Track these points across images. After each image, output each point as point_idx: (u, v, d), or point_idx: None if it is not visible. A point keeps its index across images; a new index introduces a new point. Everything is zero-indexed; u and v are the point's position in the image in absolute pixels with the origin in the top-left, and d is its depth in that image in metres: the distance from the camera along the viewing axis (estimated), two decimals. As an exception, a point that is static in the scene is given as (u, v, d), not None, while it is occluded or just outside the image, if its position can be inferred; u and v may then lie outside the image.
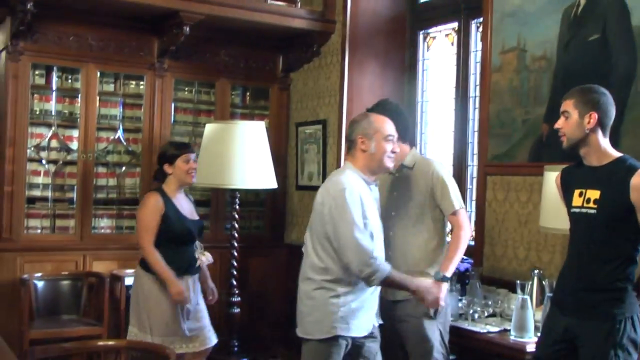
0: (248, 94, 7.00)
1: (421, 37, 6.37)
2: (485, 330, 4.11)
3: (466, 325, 4.19)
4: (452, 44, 6.00)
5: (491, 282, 4.68)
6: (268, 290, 6.77)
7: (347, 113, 6.22)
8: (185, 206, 4.73)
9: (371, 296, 3.75)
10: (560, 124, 3.32)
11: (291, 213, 6.95)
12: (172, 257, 4.55)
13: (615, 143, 3.42)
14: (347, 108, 6.24)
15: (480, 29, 5.46)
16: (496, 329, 4.12)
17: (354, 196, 3.56)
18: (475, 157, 5.48)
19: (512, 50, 4.90)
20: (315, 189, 6.50)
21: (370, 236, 3.61)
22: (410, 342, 4.04)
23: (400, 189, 4.10)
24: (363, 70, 6.31)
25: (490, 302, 4.31)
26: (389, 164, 3.72)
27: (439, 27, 6.19)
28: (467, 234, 4.00)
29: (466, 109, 5.73)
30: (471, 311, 4.21)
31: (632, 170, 3.16)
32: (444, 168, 4.15)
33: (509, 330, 4.00)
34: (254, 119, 6.81)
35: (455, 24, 5.96)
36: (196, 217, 4.81)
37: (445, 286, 3.88)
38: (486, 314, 4.29)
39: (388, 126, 3.73)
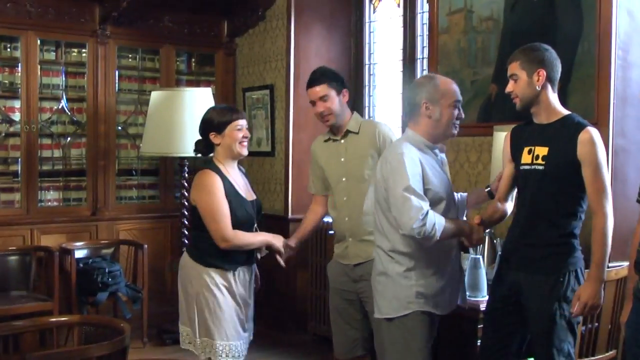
0: (193, 60, 6.90)
1: (367, -1, 6.35)
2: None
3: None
4: (399, 5, 5.98)
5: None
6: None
7: (294, 77, 6.19)
8: (242, 184, 4.02)
9: (452, 271, 3.48)
10: (510, 87, 3.35)
11: (241, 179, 6.89)
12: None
13: (563, 101, 3.46)
14: (294, 72, 6.20)
15: (427, -10, 5.46)
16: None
17: (412, 160, 3.26)
18: (424, 118, 5.50)
19: (459, 11, 4.90)
20: (265, 154, 6.58)
21: (432, 202, 3.29)
22: (370, 302, 4.07)
23: (347, 155, 4.09)
24: (309, 33, 6.25)
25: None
26: (454, 130, 3.44)
27: (385, -11, 6.16)
28: None
29: (414, 71, 5.74)
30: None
31: (579, 127, 3.22)
32: (390, 129, 4.15)
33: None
34: (200, 85, 6.73)
35: (401, -15, 5.94)
36: (254, 196, 4.12)
37: None
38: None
39: (455, 91, 3.41)
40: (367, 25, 6.35)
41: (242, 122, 3.94)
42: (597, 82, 4.06)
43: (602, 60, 4.06)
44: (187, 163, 5.77)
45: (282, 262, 4.13)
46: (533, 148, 3.32)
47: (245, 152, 3.95)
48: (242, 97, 6.81)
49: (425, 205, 3.19)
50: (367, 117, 6.30)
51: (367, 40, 6.35)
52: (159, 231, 6.40)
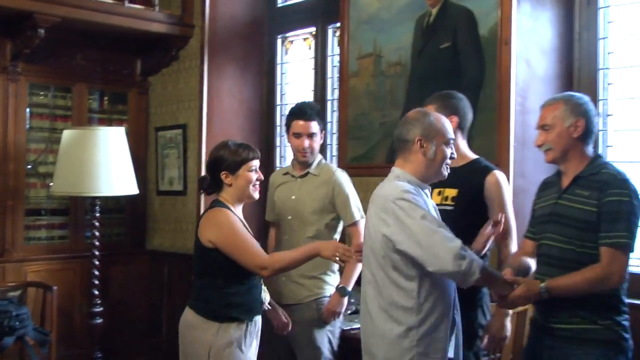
0: (106, 98, 6.85)
1: (279, 41, 6.47)
2: (348, 327, 4.29)
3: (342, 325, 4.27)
4: (310, 48, 6.14)
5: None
6: (130, 298, 6.65)
7: (207, 117, 6.23)
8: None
9: (448, 322, 3.04)
10: None
11: (152, 219, 6.87)
12: (244, 295, 3.50)
13: (468, 143, 3.64)
14: (207, 112, 6.24)
15: (338, 34, 5.63)
16: (358, 325, 4.25)
17: (417, 196, 2.94)
18: (335, 158, 5.64)
19: (368, 56, 5.08)
20: (176, 193, 6.59)
21: None
22: (298, 347, 4.11)
23: (300, 194, 4.12)
24: (222, 74, 6.33)
25: (352, 300, 4.46)
26: (446, 171, 3.12)
27: (297, 32, 6.31)
28: None
29: (324, 112, 5.88)
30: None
31: (486, 170, 3.44)
32: (346, 177, 4.20)
33: (373, 326, 4.15)
34: (112, 123, 6.68)
35: (312, 29, 6.10)
36: None
37: (346, 299, 4.05)
38: (349, 312, 4.45)
39: (450, 128, 3.12)
40: (279, 66, 6.47)
41: (257, 163, 3.61)
42: (498, 126, 4.27)
43: (502, 106, 4.28)
44: (99, 202, 5.72)
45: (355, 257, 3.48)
46: (443, 190, 3.50)
47: (257, 196, 3.60)
48: (154, 136, 6.81)
49: (455, 237, 2.86)
50: (278, 156, 6.41)
51: (279, 81, 6.48)
52: (69, 272, 6.27)
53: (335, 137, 5.69)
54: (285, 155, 6.33)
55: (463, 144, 3.54)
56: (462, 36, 4.50)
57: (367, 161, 5.05)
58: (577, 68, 4.50)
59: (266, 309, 3.82)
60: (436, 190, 3.51)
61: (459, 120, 3.50)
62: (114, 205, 6.70)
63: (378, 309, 2.98)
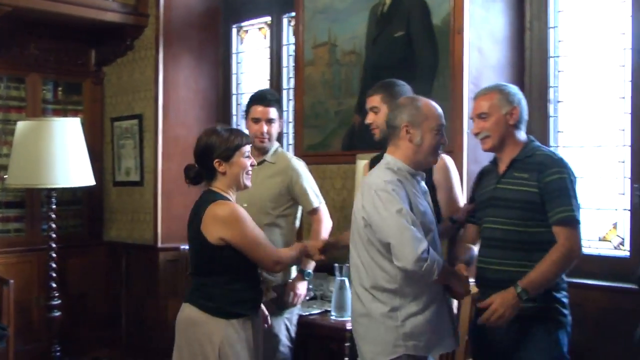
0: (60, 88, 6.77)
1: (235, 30, 6.48)
2: (307, 313, 4.31)
3: (299, 311, 4.34)
4: (265, 37, 6.16)
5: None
6: (88, 290, 6.62)
7: (162, 107, 6.22)
8: None
9: (441, 308, 3.12)
10: (371, 118, 3.60)
11: (109, 210, 6.84)
12: (249, 291, 3.38)
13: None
14: (162, 102, 6.23)
15: (293, 24, 5.66)
16: (317, 311, 4.34)
17: (398, 187, 2.99)
18: (292, 147, 5.68)
19: (323, 45, 5.12)
20: (133, 184, 6.56)
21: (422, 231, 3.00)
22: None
23: (256, 182, 4.14)
24: (177, 64, 6.31)
25: (311, 286, 4.52)
26: (435, 158, 3.17)
27: (252, 21, 6.32)
28: (325, 227, 4.17)
29: (280, 101, 5.90)
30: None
31: None
32: (302, 164, 4.25)
33: (330, 311, 4.23)
34: (67, 114, 6.61)
35: (267, 18, 6.12)
36: None
37: (306, 283, 4.13)
38: (308, 298, 4.49)
39: (439, 114, 3.15)
40: (234, 56, 6.48)
41: (249, 148, 3.45)
42: (452, 113, 4.33)
43: (455, 94, 4.36)
44: (55, 194, 5.67)
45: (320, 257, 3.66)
46: None
47: (249, 183, 3.47)
48: (110, 126, 6.77)
49: (423, 237, 2.94)
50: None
51: (234, 71, 6.48)
52: (26, 265, 6.21)
53: (291, 125, 5.73)
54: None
55: None
56: (415, 25, 4.56)
57: (324, 149, 5.10)
58: (528, 56, 4.60)
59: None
60: None
61: None
62: (71, 196, 6.65)
63: (363, 289, 3.07)
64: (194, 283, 3.42)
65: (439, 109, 3.16)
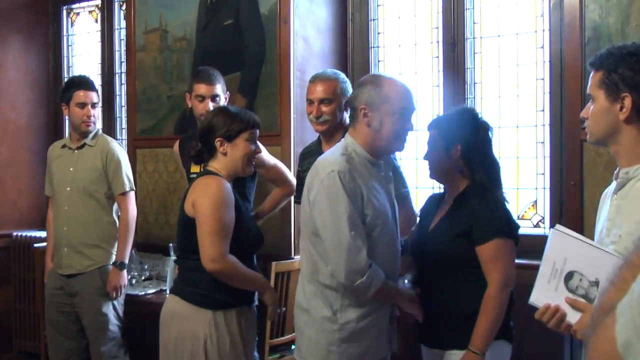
0: None
1: (65, 12, 6.40)
2: (143, 293, 4.44)
3: (126, 290, 4.46)
4: (97, 21, 6.14)
5: (146, 249, 5.00)
6: None
7: (-11, 90, 6.06)
8: None
9: (384, 312, 2.87)
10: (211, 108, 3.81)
11: None
12: None
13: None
14: (-11, 84, 6.07)
15: (124, 8, 5.68)
16: (153, 290, 4.48)
17: (347, 179, 2.66)
18: (125, 131, 5.74)
19: (154, 30, 5.20)
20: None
21: (367, 230, 2.72)
22: (85, 316, 4.22)
23: (77, 166, 4.23)
24: (6, 44, 6.15)
25: (146, 267, 4.64)
26: (398, 145, 2.82)
27: (82, 4, 6.27)
28: (132, 216, 4.29)
29: (113, 85, 5.93)
30: (129, 277, 4.50)
31: None
32: (120, 148, 4.38)
33: (165, 290, 4.38)
34: None
35: (98, 2, 6.10)
36: None
37: (125, 272, 4.21)
38: (143, 278, 4.61)
39: (402, 96, 2.76)
40: (65, 38, 6.41)
41: (257, 133, 3.20)
42: (279, 99, 4.57)
43: (282, 80, 4.58)
44: None
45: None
46: None
47: (251, 170, 3.21)
48: None
49: (364, 247, 2.65)
50: (66, 128, 6.36)
51: (65, 54, 6.42)
52: None
53: (124, 109, 5.77)
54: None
55: None
56: (244, 14, 4.74)
57: (156, 133, 5.20)
58: (351, 46, 4.91)
59: None
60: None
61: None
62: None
63: (307, 281, 2.84)
64: (180, 271, 3.20)
65: (405, 90, 2.78)
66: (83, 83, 4.30)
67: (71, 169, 4.28)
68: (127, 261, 4.22)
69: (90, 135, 4.30)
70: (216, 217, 2.93)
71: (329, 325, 2.76)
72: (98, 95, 4.38)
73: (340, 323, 2.75)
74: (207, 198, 2.97)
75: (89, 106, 4.23)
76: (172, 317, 3.04)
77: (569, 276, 2.17)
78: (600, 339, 0.88)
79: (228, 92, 3.92)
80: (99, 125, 4.47)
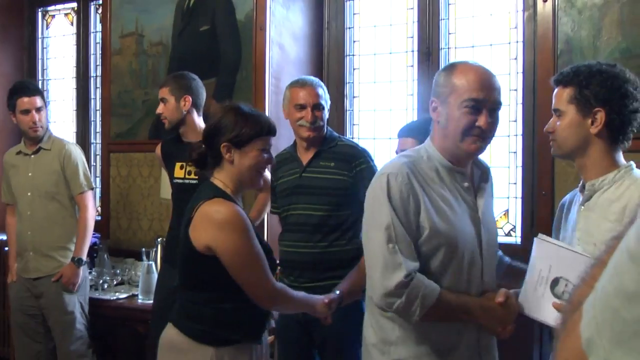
0: None
1: (40, 14, 6.36)
2: (114, 297, 4.42)
3: (97, 294, 4.45)
4: (72, 24, 6.11)
5: (119, 254, 4.98)
6: None
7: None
8: None
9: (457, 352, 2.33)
10: (161, 109, 3.81)
11: None
12: (245, 312, 2.62)
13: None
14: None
15: (100, 12, 5.67)
16: (125, 295, 4.46)
17: (399, 182, 2.22)
18: (99, 135, 5.71)
19: (130, 34, 5.19)
20: None
21: (427, 250, 2.25)
22: (52, 316, 4.21)
23: (35, 170, 4.23)
24: (-21, 46, 6.13)
25: (118, 272, 4.63)
26: (469, 145, 2.27)
27: (58, 6, 6.23)
28: (91, 215, 4.28)
29: (87, 88, 5.91)
30: (101, 281, 4.49)
31: None
32: (77, 149, 4.38)
33: (137, 295, 4.36)
34: None
35: (74, 4, 6.07)
36: None
37: (81, 269, 4.19)
38: (115, 283, 4.60)
39: (473, 86, 2.27)
40: (40, 40, 6.37)
41: (272, 142, 2.70)
42: (254, 105, 4.54)
43: (258, 86, 4.60)
44: None
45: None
46: (185, 164, 3.75)
47: (261, 183, 2.74)
48: None
49: (410, 265, 2.17)
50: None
51: (40, 56, 6.38)
52: None
53: (99, 113, 5.74)
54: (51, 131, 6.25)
55: (199, 120, 3.85)
56: (220, 20, 4.75)
57: (131, 137, 5.19)
58: (326, 54, 4.93)
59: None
60: (178, 164, 3.80)
61: (193, 98, 3.81)
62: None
63: (371, 301, 2.40)
64: (180, 298, 2.73)
65: (480, 78, 2.32)
66: (24, 89, 4.31)
67: (30, 174, 4.28)
68: (84, 258, 4.21)
69: (45, 139, 4.30)
70: (251, 252, 2.55)
71: (378, 357, 2.34)
72: (43, 98, 4.37)
73: (394, 357, 2.30)
74: (232, 232, 2.51)
75: (33, 112, 4.25)
76: (170, 350, 2.66)
77: (555, 282, 2.22)
78: (568, 335, 0.90)
79: (188, 96, 3.86)
80: (72, 128, 4.44)
